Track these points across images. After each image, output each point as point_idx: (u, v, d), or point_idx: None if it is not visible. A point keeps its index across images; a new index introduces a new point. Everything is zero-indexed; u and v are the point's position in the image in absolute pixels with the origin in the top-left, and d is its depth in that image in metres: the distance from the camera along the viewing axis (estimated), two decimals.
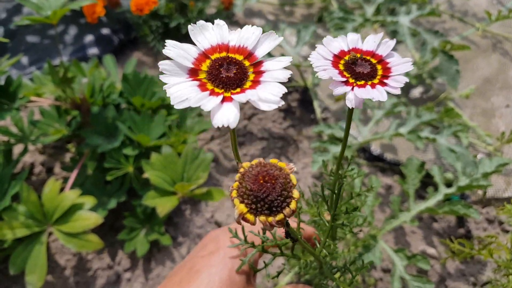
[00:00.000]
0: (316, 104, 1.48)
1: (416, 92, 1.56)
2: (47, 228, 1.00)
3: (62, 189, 1.08)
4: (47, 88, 1.03)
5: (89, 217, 0.97)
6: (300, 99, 1.53)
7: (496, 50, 1.74)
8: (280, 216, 0.30)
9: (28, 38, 1.59)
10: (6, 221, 0.97)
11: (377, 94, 0.35)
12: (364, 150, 1.42)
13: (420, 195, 1.28)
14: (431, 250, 1.17)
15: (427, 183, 1.27)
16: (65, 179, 1.19)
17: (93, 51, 1.58)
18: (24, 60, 1.50)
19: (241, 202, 0.31)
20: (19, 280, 1.13)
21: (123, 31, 1.65)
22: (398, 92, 0.35)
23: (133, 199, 1.15)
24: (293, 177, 0.32)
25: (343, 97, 1.52)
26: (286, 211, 0.30)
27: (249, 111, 1.50)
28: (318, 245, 0.59)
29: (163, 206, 0.90)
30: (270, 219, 0.30)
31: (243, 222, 0.32)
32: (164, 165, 0.96)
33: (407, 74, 1.55)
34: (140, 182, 1.11)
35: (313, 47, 1.54)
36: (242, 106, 1.53)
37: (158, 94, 1.22)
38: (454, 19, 1.86)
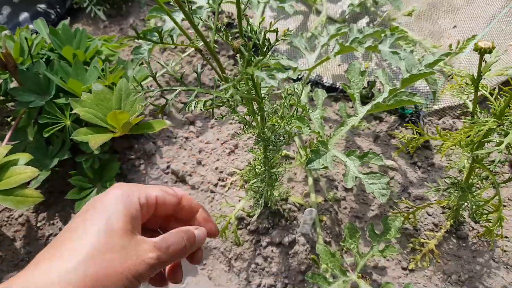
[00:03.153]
0: None
1: (363, 22, 1.55)
2: None
3: None
4: None
5: (24, 171, 0.92)
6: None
7: None
8: None
9: None
10: None
11: None
12: (317, 83, 1.39)
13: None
14: (390, 162, 1.16)
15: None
16: None
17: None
18: None
19: None
20: None
21: (59, 2, 1.58)
22: None
23: (77, 156, 1.10)
24: None
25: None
26: None
27: (198, 62, 1.46)
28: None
29: (95, 139, 0.85)
30: None
31: None
32: (96, 102, 0.92)
33: (351, 5, 1.54)
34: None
35: None
36: (191, 60, 1.49)
37: (92, 47, 1.17)
38: None
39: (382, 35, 1.17)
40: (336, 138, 0.96)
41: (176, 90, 0.55)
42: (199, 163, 1.23)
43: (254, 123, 0.78)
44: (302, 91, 0.80)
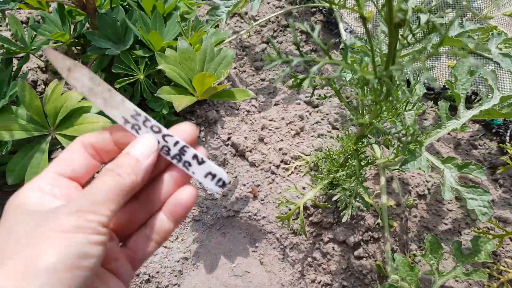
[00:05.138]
0: (341, 26, 1.35)
1: (451, 16, 1.42)
2: (50, 133, 0.90)
3: None
4: None
5: (97, 120, 0.87)
6: (324, 21, 1.39)
7: None
8: None
9: None
10: (2, 122, 0.87)
11: None
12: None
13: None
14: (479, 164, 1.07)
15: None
16: None
17: None
18: None
19: None
20: None
21: None
22: None
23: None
24: None
25: (371, 16, 1.39)
26: None
27: (267, 33, 1.37)
28: None
29: (180, 101, 0.78)
30: None
31: None
32: (180, 61, 0.85)
33: None
34: (152, 95, 1.01)
35: None
36: (259, 29, 1.41)
37: (172, 0, 1.09)
38: None
39: (490, 34, 1.06)
40: (430, 140, 0.88)
41: (319, 62, 0.48)
42: (261, 140, 1.16)
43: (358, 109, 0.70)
44: (416, 83, 0.71)
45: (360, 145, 0.77)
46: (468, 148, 1.13)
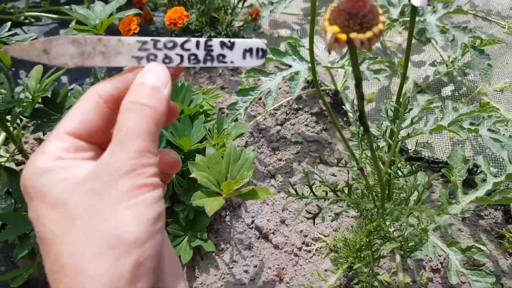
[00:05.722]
0: (348, 106, 1.48)
1: (448, 90, 1.55)
2: None
3: None
4: None
5: None
6: (331, 103, 1.53)
7: None
8: (369, 34, 0.30)
9: None
10: None
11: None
12: (401, 151, 1.40)
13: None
14: (481, 247, 1.14)
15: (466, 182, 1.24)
16: None
17: None
18: (64, 79, 1.55)
19: (333, 24, 0.31)
20: None
21: None
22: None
23: (175, 205, 1.16)
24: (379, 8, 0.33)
25: (373, 98, 1.52)
26: (375, 29, 0.31)
27: (281, 117, 1.51)
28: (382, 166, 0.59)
29: (211, 205, 0.90)
30: (361, 35, 0.30)
31: None
32: (208, 165, 0.97)
33: (438, 73, 1.55)
34: (182, 188, 1.12)
35: (340, 53, 1.55)
36: (274, 112, 1.54)
37: (195, 102, 1.24)
38: (478, 18, 1.85)
39: (481, 117, 1.17)
40: (436, 225, 0.97)
41: (329, 199, 0.59)
42: (282, 222, 1.26)
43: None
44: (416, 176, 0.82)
45: (372, 237, 0.86)
46: (475, 219, 1.21)
